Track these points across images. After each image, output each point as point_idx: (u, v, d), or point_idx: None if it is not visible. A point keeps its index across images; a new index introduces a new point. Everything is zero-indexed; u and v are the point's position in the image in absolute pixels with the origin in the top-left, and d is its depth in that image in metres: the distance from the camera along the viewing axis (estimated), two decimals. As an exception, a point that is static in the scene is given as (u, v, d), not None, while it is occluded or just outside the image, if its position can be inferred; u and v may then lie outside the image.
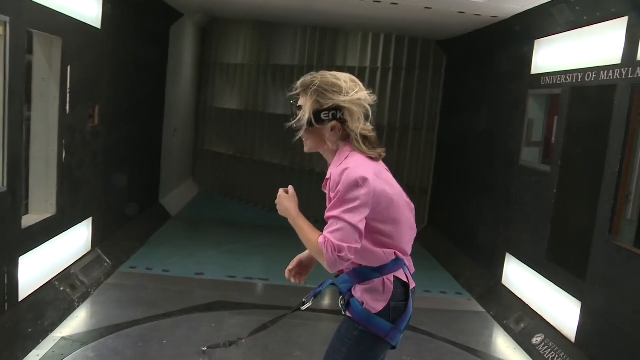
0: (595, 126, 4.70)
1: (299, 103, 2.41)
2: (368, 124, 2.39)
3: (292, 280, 2.70)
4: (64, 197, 5.12)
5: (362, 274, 2.37)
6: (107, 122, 6.04)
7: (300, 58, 9.99)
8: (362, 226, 2.21)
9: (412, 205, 2.50)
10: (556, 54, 5.48)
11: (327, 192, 2.35)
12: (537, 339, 5.06)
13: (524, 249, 5.79)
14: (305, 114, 2.35)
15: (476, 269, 6.90)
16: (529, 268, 5.59)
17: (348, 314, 2.41)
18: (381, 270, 2.35)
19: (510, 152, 6.25)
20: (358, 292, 2.39)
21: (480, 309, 6.12)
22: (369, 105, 2.36)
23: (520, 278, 5.81)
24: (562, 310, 4.94)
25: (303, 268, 2.71)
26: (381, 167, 2.42)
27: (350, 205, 2.19)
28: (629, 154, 4.28)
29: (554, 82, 5.45)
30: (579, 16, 4.93)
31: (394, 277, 2.37)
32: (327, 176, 2.34)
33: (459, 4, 5.84)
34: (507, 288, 6.03)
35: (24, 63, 4.21)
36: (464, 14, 6.24)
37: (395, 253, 2.36)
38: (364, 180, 2.20)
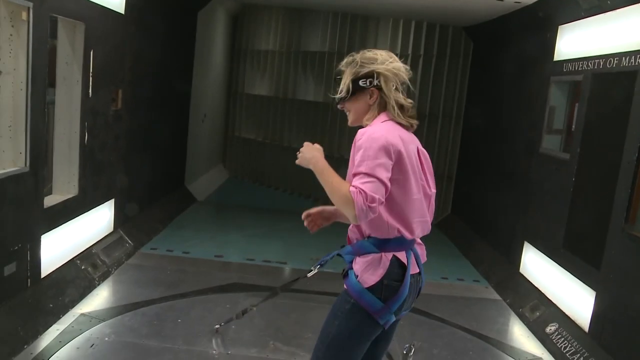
0: (615, 114, 4.61)
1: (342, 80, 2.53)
2: (404, 94, 2.51)
3: (305, 223, 2.72)
4: (86, 178, 5.27)
5: (363, 247, 2.44)
6: (129, 107, 6.16)
7: (330, 44, 9.96)
8: (388, 183, 2.28)
9: (431, 193, 2.55)
10: (579, 40, 5.38)
11: (351, 154, 2.43)
12: (551, 328, 5.03)
13: (542, 237, 5.74)
14: (344, 84, 2.49)
15: (495, 257, 6.86)
16: (546, 257, 5.55)
17: (344, 285, 2.46)
18: (381, 247, 2.40)
19: (531, 140, 6.18)
20: (356, 264, 2.45)
21: (497, 296, 6.10)
22: (405, 76, 2.48)
23: (537, 266, 5.76)
24: (576, 299, 4.90)
25: (322, 219, 2.74)
26: (413, 139, 2.50)
27: (378, 161, 2.27)
28: (647, 142, 4.19)
29: (576, 68, 5.36)
30: (603, 1, 4.83)
31: (393, 255, 2.41)
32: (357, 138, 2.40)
33: (480, -11, 5.77)
34: (524, 276, 6.00)
35: (46, 48, 4.32)
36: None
37: (399, 230, 2.39)
38: (389, 142, 2.31)
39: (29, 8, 3.96)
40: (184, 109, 8.79)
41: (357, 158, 2.32)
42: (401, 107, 2.47)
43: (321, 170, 2.41)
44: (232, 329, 4.61)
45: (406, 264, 2.44)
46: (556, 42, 5.81)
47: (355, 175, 2.28)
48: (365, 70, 2.45)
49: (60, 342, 4.14)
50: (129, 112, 6.18)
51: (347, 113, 2.57)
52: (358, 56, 2.50)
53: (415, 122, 2.51)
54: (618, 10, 4.67)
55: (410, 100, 2.52)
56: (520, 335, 5.19)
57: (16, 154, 4.18)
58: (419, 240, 2.58)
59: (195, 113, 9.18)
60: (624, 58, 4.52)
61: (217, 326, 4.56)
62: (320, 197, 10.41)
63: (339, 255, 2.61)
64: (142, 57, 6.45)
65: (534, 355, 4.76)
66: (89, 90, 5.13)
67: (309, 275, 2.94)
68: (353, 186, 2.24)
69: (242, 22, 11.29)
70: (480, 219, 7.87)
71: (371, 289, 2.39)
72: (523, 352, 4.83)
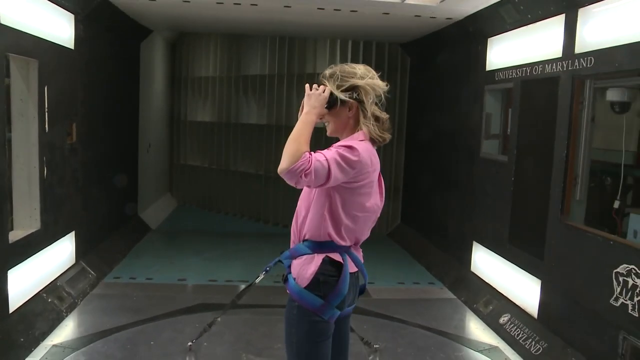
0: (544, 116, 5.05)
1: None
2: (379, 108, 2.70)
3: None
4: (47, 212, 5.32)
5: (298, 250, 2.65)
6: (83, 139, 6.25)
7: (270, 67, 10.19)
8: (333, 182, 2.45)
9: (379, 210, 2.74)
10: (507, 51, 5.85)
11: None
12: (504, 319, 5.39)
13: (488, 236, 6.13)
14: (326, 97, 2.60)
15: (447, 260, 7.23)
16: (494, 253, 5.94)
17: (287, 290, 2.68)
18: (315, 249, 2.61)
19: (472, 146, 6.61)
20: (293, 267, 2.67)
21: (452, 295, 6.45)
22: (382, 90, 2.67)
23: (487, 264, 6.15)
24: (524, 289, 5.29)
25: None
26: (378, 163, 2.67)
27: (342, 164, 2.44)
28: (574, 140, 4.64)
29: (507, 76, 5.82)
30: (524, 15, 5.31)
31: (326, 255, 2.60)
32: None
33: (414, 8, 6.17)
34: (475, 274, 6.37)
35: (3, 86, 4.42)
36: (420, 17, 6.60)
37: (332, 237, 2.59)
38: (362, 159, 2.50)
39: (-15, 48, 4.08)
40: (133, 139, 8.88)
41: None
42: (377, 119, 2.67)
43: (306, 122, 2.52)
44: (204, 345, 4.76)
45: (340, 262, 2.62)
46: (487, 53, 6.28)
47: (318, 152, 2.45)
48: (346, 84, 2.61)
49: (36, 373, 4.20)
50: (84, 145, 6.26)
51: (326, 124, 2.72)
52: (338, 69, 2.65)
53: (388, 136, 2.72)
54: (538, 23, 5.14)
55: (385, 114, 2.72)
56: (476, 329, 5.54)
57: (-21, 191, 4.25)
58: (354, 246, 2.73)
59: (142, 142, 9.27)
60: (547, 65, 4.98)
61: (189, 344, 4.65)
62: (270, 219, 10.48)
63: (279, 261, 2.79)
64: (93, 90, 6.56)
65: (490, 345, 5.11)
66: (45, 125, 5.21)
67: (257, 280, 3.16)
68: (310, 153, 2.42)
69: (181, 50, 11.48)
70: (430, 225, 8.26)
71: (308, 287, 2.58)
72: (480, 342, 5.17)
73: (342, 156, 2.46)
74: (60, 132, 5.61)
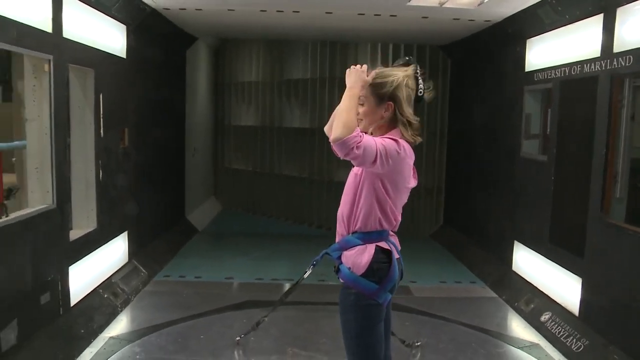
0: (583, 115, 5.09)
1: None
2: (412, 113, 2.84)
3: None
4: (102, 213, 5.64)
5: (349, 241, 2.82)
6: (134, 144, 6.57)
7: (312, 71, 10.34)
8: (378, 166, 2.62)
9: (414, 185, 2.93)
10: (546, 51, 5.89)
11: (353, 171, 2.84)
12: (545, 317, 5.43)
13: (529, 235, 6.17)
14: (371, 97, 2.80)
15: (488, 259, 7.28)
16: (535, 252, 5.98)
17: (340, 279, 2.84)
18: (364, 239, 2.79)
19: (512, 146, 6.65)
20: (345, 258, 2.83)
21: (493, 294, 6.50)
22: (418, 95, 2.83)
23: (528, 263, 6.19)
24: (565, 288, 5.32)
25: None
26: (413, 155, 2.82)
27: (387, 150, 2.61)
28: (613, 138, 4.67)
29: (546, 77, 5.86)
30: (562, 15, 5.36)
31: (376, 245, 2.78)
32: None
33: (452, 11, 6.27)
34: (517, 273, 6.41)
35: (65, 95, 4.75)
36: (458, 20, 6.69)
37: (381, 222, 2.78)
38: (403, 147, 2.69)
39: (49, 60, 4.39)
40: (180, 143, 9.21)
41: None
42: (409, 123, 2.81)
43: (352, 96, 2.69)
44: (251, 340, 4.97)
45: (388, 248, 2.81)
46: (526, 54, 6.33)
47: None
48: (386, 85, 2.77)
49: (96, 362, 4.49)
50: (135, 149, 6.58)
51: (360, 120, 2.83)
52: (378, 72, 2.81)
53: (419, 138, 2.85)
54: (576, 23, 5.19)
55: (417, 118, 2.85)
56: (518, 326, 5.59)
57: (43, 192, 4.57)
58: (392, 233, 2.91)
59: (189, 147, 9.59)
60: (585, 65, 5.02)
61: (237, 338, 4.92)
62: (314, 222, 10.57)
63: (327, 253, 2.97)
64: (142, 97, 6.89)
65: (531, 342, 5.16)
66: (100, 131, 5.54)
67: (305, 276, 3.42)
68: (363, 134, 2.58)
69: (224, 56, 11.76)
70: (472, 225, 8.31)
71: (364, 275, 2.76)
72: (521, 340, 5.23)
73: (389, 145, 2.65)
74: (114, 137, 5.93)
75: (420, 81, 2.86)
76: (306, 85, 10.48)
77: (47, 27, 4.36)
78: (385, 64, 2.99)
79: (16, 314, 4.03)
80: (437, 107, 9.71)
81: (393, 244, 2.88)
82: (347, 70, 2.78)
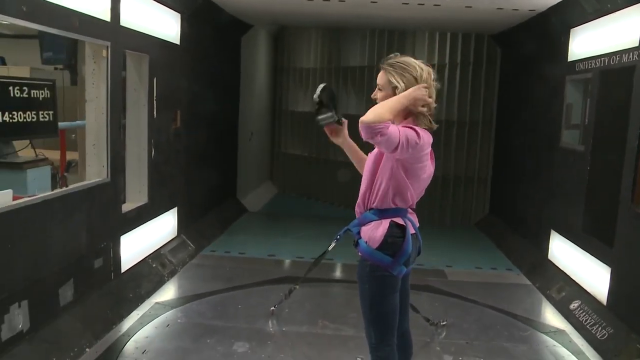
0: (620, 105, 5.10)
1: (378, 78, 3.10)
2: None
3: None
4: (153, 189, 6.07)
5: (366, 217, 3.07)
6: (186, 125, 6.98)
7: (370, 59, 10.45)
8: (399, 153, 2.82)
9: (432, 171, 3.11)
10: (588, 41, 5.89)
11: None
12: (574, 305, 5.51)
13: (564, 224, 6.22)
14: (384, 80, 3.03)
15: (526, 247, 7.35)
16: (569, 241, 6.03)
17: (358, 252, 3.09)
18: (380, 215, 3.03)
19: (553, 136, 6.68)
20: (363, 232, 3.07)
21: (527, 282, 6.59)
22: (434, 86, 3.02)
23: (562, 251, 6.24)
24: (595, 277, 5.37)
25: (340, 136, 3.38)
26: (431, 140, 2.98)
27: (409, 140, 2.79)
28: (645, 129, 4.69)
29: (587, 67, 5.87)
30: (604, 4, 5.36)
31: (391, 220, 3.02)
32: None
33: (495, 0, 6.34)
34: (551, 262, 6.47)
35: (120, 79, 5.16)
36: (502, 9, 6.74)
37: (395, 202, 3.01)
38: (423, 138, 2.87)
39: (107, 46, 4.80)
40: (233, 127, 9.60)
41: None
42: (422, 113, 2.98)
43: (399, 99, 2.88)
44: (285, 311, 5.29)
45: (403, 224, 3.03)
46: (569, 43, 6.33)
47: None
48: (406, 74, 2.97)
49: (141, 323, 4.92)
50: (187, 130, 7.00)
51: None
52: (398, 61, 3.02)
53: (435, 125, 3.03)
54: (618, 12, 5.18)
55: (434, 105, 3.03)
56: (546, 313, 5.69)
57: (99, 167, 5.01)
58: (410, 211, 3.12)
59: (243, 131, 9.96)
60: (624, 55, 5.03)
61: (272, 308, 5.25)
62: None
63: (348, 229, 3.22)
64: (195, 81, 7.28)
65: (557, 328, 5.25)
66: (153, 112, 5.95)
67: (329, 249, 3.84)
68: (391, 124, 2.78)
69: (283, 42, 12.02)
70: (514, 214, 8.35)
71: (379, 248, 2.99)
72: (547, 325, 5.33)
73: (411, 136, 2.83)
74: (166, 118, 6.35)
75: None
76: (363, 72, 10.58)
77: (106, 16, 4.76)
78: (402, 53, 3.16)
79: (72, 274, 4.48)
80: (487, 98, 9.71)
81: (411, 220, 3.11)
82: (415, 86, 2.93)
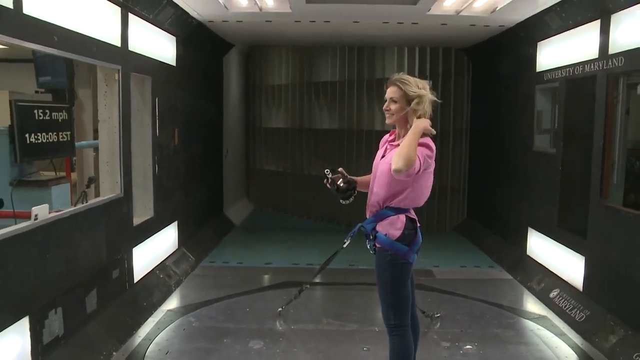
0: (585, 110, 5.67)
1: (390, 92, 3.54)
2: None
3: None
4: (158, 203, 6.41)
5: (382, 214, 3.51)
6: (183, 142, 7.34)
7: (341, 74, 10.82)
8: (417, 171, 3.33)
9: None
10: (553, 53, 6.48)
11: (390, 149, 3.53)
12: (553, 293, 6.03)
13: (540, 221, 6.77)
14: (398, 95, 3.48)
15: (506, 246, 7.88)
16: (546, 236, 6.57)
17: (377, 244, 3.52)
18: (396, 211, 3.49)
19: (526, 140, 7.25)
20: (380, 227, 3.51)
21: (509, 276, 7.11)
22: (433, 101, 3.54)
23: (540, 247, 6.77)
24: (571, 266, 5.91)
25: (344, 179, 3.72)
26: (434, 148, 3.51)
27: (426, 159, 3.33)
28: (610, 130, 5.26)
29: (554, 77, 6.46)
30: (565, 21, 5.95)
31: (406, 215, 3.50)
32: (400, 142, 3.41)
33: (468, 19, 6.90)
34: (531, 257, 7.00)
35: (129, 100, 5.52)
36: (475, 26, 7.31)
37: (406, 205, 3.49)
38: (431, 154, 3.39)
39: (119, 70, 5.17)
40: (219, 143, 9.98)
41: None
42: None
43: (414, 137, 3.30)
44: (291, 312, 5.68)
45: (415, 218, 3.55)
46: (537, 56, 6.92)
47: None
48: (415, 90, 3.45)
49: (158, 328, 5.25)
50: (184, 147, 7.36)
51: (387, 114, 3.54)
52: (405, 77, 3.49)
53: (434, 131, 3.50)
54: (578, 27, 5.78)
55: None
56: (528, 302, 6.20)
57: (113, 183, 5.35)
58: None
59: (224, 148, 10.30)
60: (586, 65, 5.62)
61: (279, 309, 5.63)
62: (344, 220, 10.96)
63: (362, 226, 3.65)
64: (189, 100, 7.67)
65: (539, 314, 5.76)
66: (156, 130, 6.31)
67: (344, 246, 4.11)
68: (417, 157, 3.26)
69: (254, 61, 12.31)
70: (491, 216, 8.89)
71: (398, 239, 3.46)
72: (531, 313, 5.84)
73: (426, 154, 3.36)
74: (167, 135, 6.71)
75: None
76: (335, 87, 10.94)
77: (117, 42, 5.14)
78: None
79: (96, 284, 4.81)
80: (463, 106, 10.21)
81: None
82: (420, 119, 3.41)
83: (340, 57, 10.86)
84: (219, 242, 8.80)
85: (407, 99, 3.48)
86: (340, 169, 3.70)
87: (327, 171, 3.66)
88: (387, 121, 3.59)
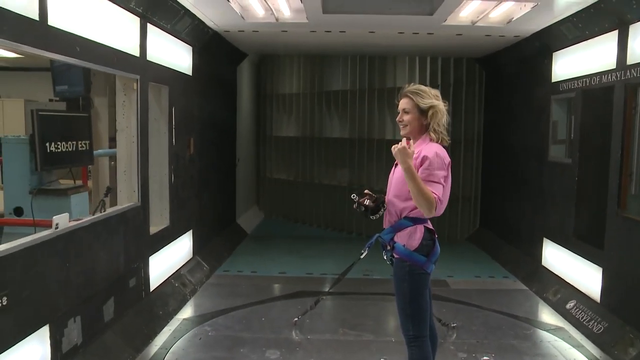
0: (602, 121, 5.66)
1: (402, 103, 3.58)
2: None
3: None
4: (173, 212, 6.44)
5: (401, 225, 3.51)
6: (198, 151, 7.38)
7: (352, 83, 10.85)
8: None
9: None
10: (569, 64, 6.47)
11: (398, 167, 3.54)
12: (570, 304, 5.99)
13: (556, 232, 6.73)
14: (411, 105, 3.53)
15: (520, 256, 7.84)
16: (561, 247, 6.53)
17: (395, 255, 3.51)
18: (414, 221, 3.48)
19: (541, 150, 7.23)
20: (399, 238, 3.51)
21: (524, 287, 7.07)
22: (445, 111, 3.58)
23: (555, 257, 6.74)
24: (588, 277, 5.86)
25: (370, 198, 3.65)
26: (449, 160, 3.52)
27: (443, 173, 3.38)
28: (628, 141, 5.23)
29: (570, 87, 6.44)
30: (582, 31, 5.95)
31: (423, 225, 3.49)
32: (417, 153, 3.42)
33: (484, 29, 6.91)
34: (546, 268, 6.96)
35: (147, 109, 5.56)
36: (490, 36, 7.32)
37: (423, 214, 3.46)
38: (446, 159, 3.43)
39: (137, 79, 5.22)
40: (232, 152, 10.02)
41: (425, 166, 3.35)
42: (439, 131, 3.54)
43: (413, 175, 3.31)
44: (306, 322, 5.67)
45: (432, 228, 3.55)
46: (552, 66, 6.91)
47: (430, 181, 3.32)
48: (427, 101, 3.49)
49: (174, 337, 5.26)
50: (199, 157, 7.40)
51: (401, 125, 3.58)
52: (419, 88, 3.54)
53: (448, 139, 3.57)
54: (595, 38, 5.77)
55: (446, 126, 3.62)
56: (545, 313, 6.16)
57: (130, 192, 5.39)
58: None
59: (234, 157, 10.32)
60: (603, 76, 5.60)
61: (295, 319, 5.63)
62: (354, 229, 10.94)
63: (379, 237, 3.65)
64: (204, 109, 7.71)
65: (556, 326, 5.72)
66: (172, 139, 6.35)
67: (362, 257, 4.13)
68: (434, 194, 3.28)
69: (265, 69, 12.34)
70: (505, 226, 8.86)
71: (416, 250, 3.46)
72: (547, 324, 5.80)
73: (441, 172, 3.38)
74: (182, 145, 6.75)
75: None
76: (346, 96, 10.97)
77: (136, 52, 5.19)
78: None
79: (113, 293, 4.83)
80: (475, 115, 10.20)
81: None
82: (393, 151, 3.39)
83: (352, 66, 10.89)
84: (233, 251, 8.81)
85: (420, 109, 3.51)
86: (366, 191, 3.69)
87: (353, 196, 3.64)
88: (402, 132, 3.63)
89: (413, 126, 3.56)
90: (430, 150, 3.42)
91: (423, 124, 3.54)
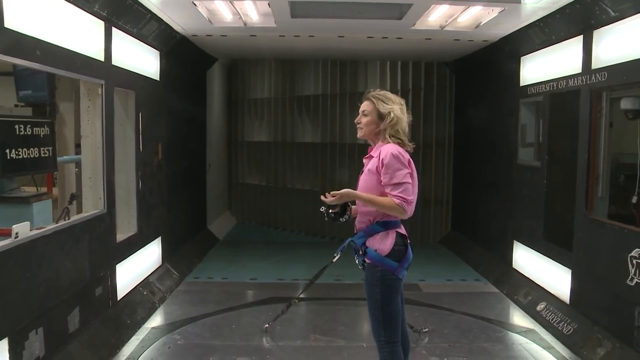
0: (569, 124, 5.71)
1: (363, 105, 3.60)
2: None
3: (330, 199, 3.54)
4: (141, 218, 6.31)
5: (373, 229, 3.49)
6: (167, 157, 7.26)
7: (323, 88, 10.85)
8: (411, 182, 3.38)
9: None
10: (537, 68, 6.54)
11: (366, 163, 3.56)
12: (540, 306, 6.03)
13: (526, 234, 6.78)
14: (370, 109, 3.55)
15: (491, 259, 7.89)
16: (532, 249, 6.58)
17: (367, 260, 3.49)
18: (386, 227, 3.46)
19: (510, 154, 7.29)
20: (370, 242, 3.49)
21: (495, 290, 7.11)
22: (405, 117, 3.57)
23: (526, 260, 6.79)
24: (558, 279, 5.91)
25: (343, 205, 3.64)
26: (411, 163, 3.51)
27: (404, 171, 3.35)
28: (594, 144, 5.29)
29: (537, 91, 6.51)
30: (549, 36, 6.01)
31: (395, 230, 3.47)
32: (375, 154, 3.45)
33: (452, 33, 6.94)
34: (517, 270, 7.01)
35: (112, 115, 5.45)
36: (459, 40, 7.36)
37: (395, 217, 3.46)
38: (404, 155, 3.40)
39: (102, 84, 5.10)
40: (202, 158, 9.90)
41: (384, 171, 3.36)
42: (400, 138, 3.52)
43: (365, 198, 3.40)
44: (277, 328, 5.60)
45: (404, 233, 3.53)
46: (520, 70, 6.98)
47: (394, 184, 3.33)
48: (387, 107, 3.50)
49: (143, 347, 5.15)
50: (167, 162, 7.28)
51: (358, 128, 3.60)
52: (381, 92, 3.57)
53: (412, 145, 3.56)
54: (561, 42, 5.84)
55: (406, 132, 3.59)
56: (516, 315, 6.20)
57: (96, 199, 5.26)
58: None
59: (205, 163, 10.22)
60: (569, 80, 5.67)
61: (266, 325, 5.56)
62: (327, 234, 10.92)
63: (352, 241, 3.61)
64: (172, 115, 7.60)
65: (527, 328, 5.75)
66: (140, 145, 6.23)
67: (334, 260, 4.14)
68: (394, 196, 3.30)
69: (236, 74, 12.23)
70: (477, 229, 8.91)
71: (388, 255, 3.43)
72: (518, 326, 5.83)
73: (398, 168, 3.35)
74: (150, 150, 6.63)
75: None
76: (317, 101, 10.95)
77: (101, 56, 5.08)
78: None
79: (78, 302, 4.70)
80: (446, 121, 10.27)
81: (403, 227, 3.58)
82: (338, 195, 3.40)
83: (323, 70, 10.88)
84: (203, 258, 8.69)
85: (379, 114, 3.51)
86: (329, 193, 3.65)
87: (322, 209, 3.59)
88: (358, 134, 3.64)
89: (369, 129, 3.57)
90: (386, 152, 3.41)
91: (380, 128, 3.53)
